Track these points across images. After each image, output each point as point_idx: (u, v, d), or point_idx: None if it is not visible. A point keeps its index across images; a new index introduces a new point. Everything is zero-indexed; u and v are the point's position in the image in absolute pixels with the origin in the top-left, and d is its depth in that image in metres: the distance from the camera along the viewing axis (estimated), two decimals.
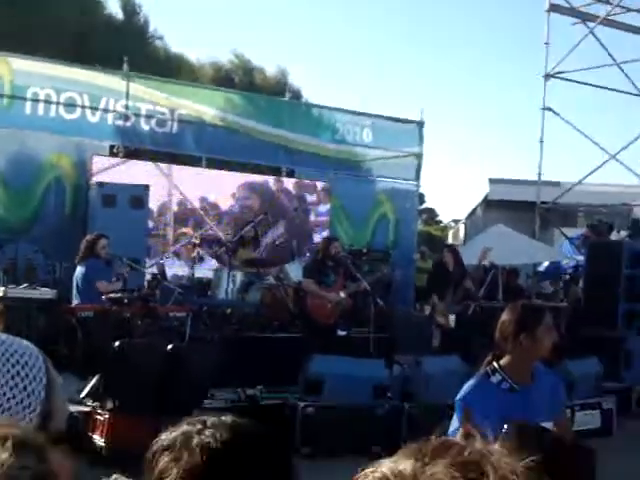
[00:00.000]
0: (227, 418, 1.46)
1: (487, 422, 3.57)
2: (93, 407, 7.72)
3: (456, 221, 53.89)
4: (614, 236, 16.95)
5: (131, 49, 17.94)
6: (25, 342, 1.68)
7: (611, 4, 17.40)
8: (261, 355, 9.89)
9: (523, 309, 3.75)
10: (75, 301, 9.05)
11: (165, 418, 7.42)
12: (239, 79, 29.56)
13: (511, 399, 3.65)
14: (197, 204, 13.49)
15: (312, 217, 14.82)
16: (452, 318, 10.92)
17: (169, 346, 7.86)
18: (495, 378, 3.68)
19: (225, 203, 13.80)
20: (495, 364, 3.71)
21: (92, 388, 8.03)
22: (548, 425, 3.75)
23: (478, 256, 11.91)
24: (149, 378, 7.54)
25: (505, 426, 1.80)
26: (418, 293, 17.98)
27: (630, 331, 12.32)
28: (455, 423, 3.69)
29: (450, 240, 51.49)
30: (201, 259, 12.59)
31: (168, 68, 23.35)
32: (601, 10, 17.66)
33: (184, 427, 1.46)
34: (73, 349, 8.85)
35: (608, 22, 17.63)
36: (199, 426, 1.44)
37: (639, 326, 12.56)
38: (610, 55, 17.69)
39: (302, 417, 8.45)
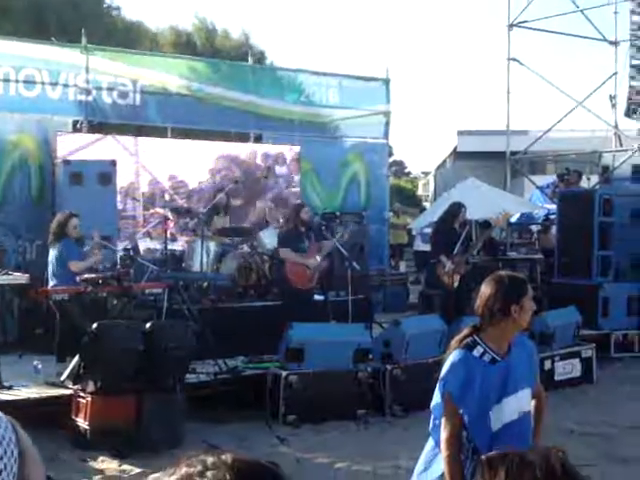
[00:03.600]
0: (227, 457, 1.38)
1: (470, 399, 3.61)
2: (74, 390, 7.67)
3: (425, 173, 53.99)
4: (584, 183, 17.01)
5: (88, 21, 17.63)
6: None
7: None
8: (240, 325, 9.87)
9: (509, 281, 3.72)
10: (51, 283, 8.92)
11: (147, 396, 7.41)
12: (201, 43, 29.17)
13: (493, 371, 3.66)
14: (166, 182, 13.27)
15: (284, 187, 14.65)
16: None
17: (147, 324, 7.80)
18: (477, 351, 3.67)
19: (193, 178, 13.59)
20: (475, 337, 3.70)
21: (72, 371, 7.97)
22: (527, 393, 3.77)
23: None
24: (129, 358, 7.50)
25: (482, 457, 1.75)
26: (393, 251, 18.06)
27: (605, 278, 12.40)
28: (437, 398, 3.69)
29: (420, 192, 51.65)
30: (174, 238, 12.46)
31: (127, 38, 22.98)
32: None
33: (183, 470, 1.38)
34: (50, 332, 8.77)
35: None
36: (199, 467, 1.36)
37: (614, 273, 12.66)
38: (573, 1, 17.61)
39: (285, 386, 8.46)
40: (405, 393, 8.89)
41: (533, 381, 3.84)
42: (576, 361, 10.52)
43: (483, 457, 1.72)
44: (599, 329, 11.84)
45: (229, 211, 12.40)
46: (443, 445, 3.60)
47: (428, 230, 17.03)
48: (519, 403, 3.71)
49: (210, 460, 1.37)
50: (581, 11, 17.50)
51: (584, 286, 12.08)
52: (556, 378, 10.14)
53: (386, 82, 16.26)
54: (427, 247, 16.97)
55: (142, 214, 12.90)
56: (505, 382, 3.67)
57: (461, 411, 3.61)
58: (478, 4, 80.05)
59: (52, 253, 8.99)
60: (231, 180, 13.10)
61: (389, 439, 8.06)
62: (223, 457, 1.38)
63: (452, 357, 3.67)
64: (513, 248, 16.32)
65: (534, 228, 18.04)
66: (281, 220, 11.73)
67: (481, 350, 3.67)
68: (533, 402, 3.89)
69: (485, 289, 3.70)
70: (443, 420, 3.63)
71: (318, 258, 10.10)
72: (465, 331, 3.75)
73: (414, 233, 20.21)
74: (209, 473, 1.35)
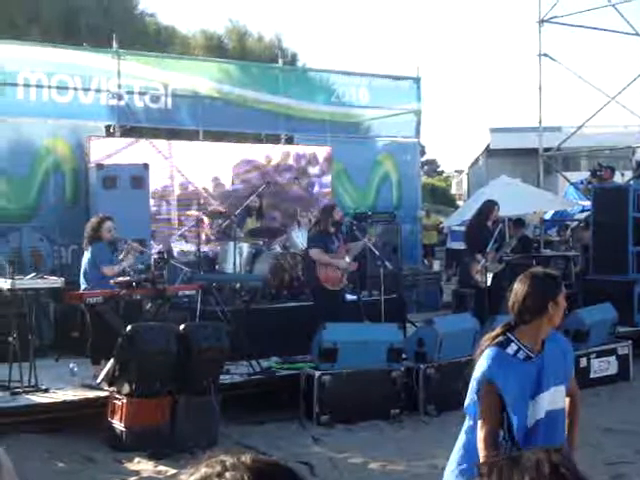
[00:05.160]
0: (246, 458, 1.39)
1: (509, 396, 3.57)
2: (110, 392, 7.74)
3: (459, 171, 53.80)
4: (618, 178, 16.84)
5: (118, 26, 17.74)
6: None
7: None
8: (273, 326, 9.90)
9: (544, 277, 3.69)
10: (83, 286, 8.99)
11: (182, 397, 7.46)
12: (232, 46, 29.24)
13: (528, 369, 3.62)
14: (200, 184, 13.33)
15: (316, 189, 14.63)
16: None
17: (181, 326, 7.85)
18: (511, 349, 3.64)
19: (227, 180, 13.64)
20: (509, 334, 3.67)
21: (107, 373, 8.03)
22: (561, 389, 3.73)
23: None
24: (163, 360, 7.54)
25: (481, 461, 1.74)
26: (425, 251, 18.01)
27: None
28: (472, 397, 3.64)
29: (454, 190, 51.44)
30: (208, 239, 12.55)
31: (159, 42, 23.08)
32: None
33: (203, 470, 1.39)
34: (85, 335, 8.84)
35: None
36: (218, 468, 1.37)
37: None
38: None
39: (319, 386, 8.47)
40: (439, 392, 8.86)
41: (567, 378, 3.81)
42: (612, 358, 10.42)
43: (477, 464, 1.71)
44: (635, 326, 11.71)
45: (262, 214, 12.42)
46: (480, 445, 3.53)
47: (459, 228, 16.98)
48: (552, 400, 3.68)
49: (229, 461, 1.38)
50: (613, 5, 17.34)
51: (619, 282, 11.96)
52: (592, 376, 10.05)
53: (417, 80, 16.21)
54: (458, 245, 16.96)
55: (177, 217, 12.97)
56: (539, 379, 3.63)
57: (505, 400, 3.56)
58: (508, 0, 79.57)
59: (85, 256, 9.08)
60: (263, 182, 13.13)
61: (423, 438, 8.04)
62: (242, 458, 1.38)
63: (486, 354, 3.62)
64: (552, 245, 16.20)
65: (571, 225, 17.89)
66: (312, 220, 11.70)
67: (515, 347, 3.64)
68: (567, 400, 3.86)
69: (519, 286, 3.67)
70: (479, 421, 3.57)
71: (347, 259, 10.08)
72: (497, 329, 3.72)
73: (445, 231, 20.18)
74: (228, 474, 1.36)
